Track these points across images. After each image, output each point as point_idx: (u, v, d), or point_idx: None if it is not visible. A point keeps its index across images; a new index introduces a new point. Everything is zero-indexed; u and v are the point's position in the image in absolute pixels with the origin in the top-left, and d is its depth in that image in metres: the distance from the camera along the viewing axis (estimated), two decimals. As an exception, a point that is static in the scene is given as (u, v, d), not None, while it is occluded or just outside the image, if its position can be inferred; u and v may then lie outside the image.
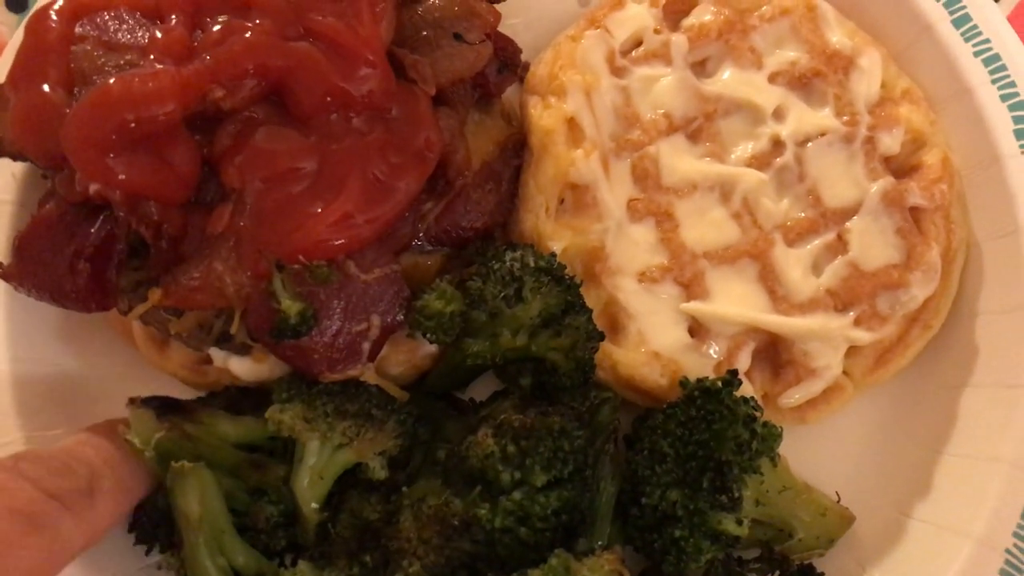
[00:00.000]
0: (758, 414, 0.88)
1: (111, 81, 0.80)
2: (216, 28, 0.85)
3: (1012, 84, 0.99)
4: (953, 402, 0.97)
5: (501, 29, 1.07)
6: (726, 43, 1.00)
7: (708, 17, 1.01)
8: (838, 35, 1.00)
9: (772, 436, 0.86)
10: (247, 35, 0.84)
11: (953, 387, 0.98)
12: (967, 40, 1.00)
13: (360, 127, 0.86)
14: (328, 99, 0.84)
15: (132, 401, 0.87)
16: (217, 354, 0.92)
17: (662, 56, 0.99)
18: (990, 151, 0.98)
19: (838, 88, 0.99)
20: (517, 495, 0.82)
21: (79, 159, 0.81)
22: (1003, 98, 0.99)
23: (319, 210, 0.83)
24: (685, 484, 0.85)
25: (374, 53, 0.85)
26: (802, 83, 0.99)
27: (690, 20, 1.01)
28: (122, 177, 0.80)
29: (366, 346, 0.85)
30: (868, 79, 0.99)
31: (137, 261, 0.87)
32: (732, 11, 1.01)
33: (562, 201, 0.96)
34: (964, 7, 1.01)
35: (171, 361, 0.95)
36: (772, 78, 0.99)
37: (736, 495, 0.84)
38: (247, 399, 0.93)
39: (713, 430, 0.86)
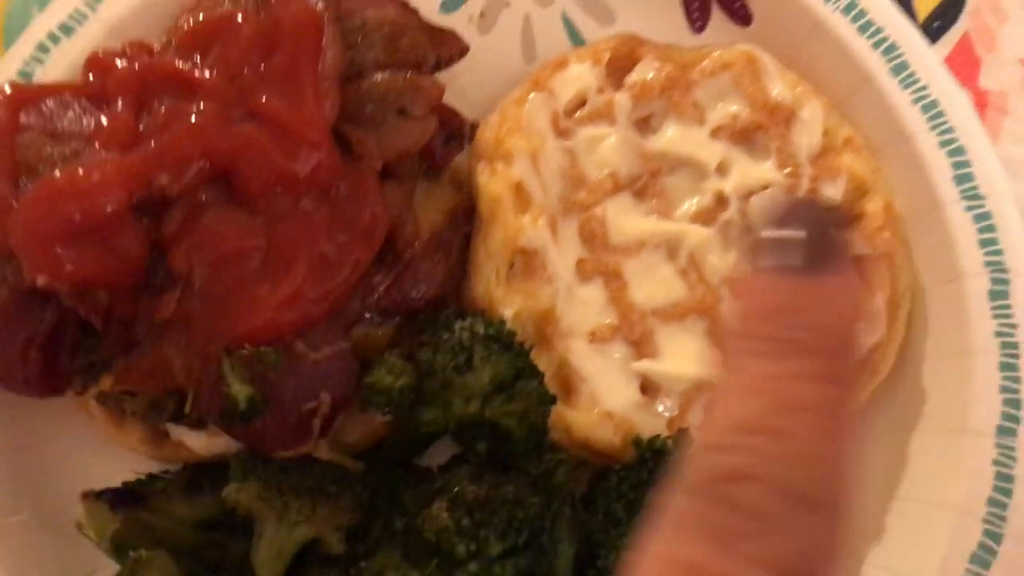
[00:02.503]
0: (709, 473, 0.89)
1: (56, 174, 0.82)
2: (161, 112, 0.86)
3: (950, 130, 1.01)
4: (903, 446, 0.99)
5: (452, 88, 1.09)
6: (669, 99, 1.02)
7: (651, 74, 1.02)
8: (779, 87, 1.02)
9: (722, 497, 0.88)
10: (192, 119, 0.85)
11: (903, 431, 1.00)
12: (905, 88, 1.02)
13: (307, 206, 0.87)
14: (274, 180, 0.86)
15: (85, 496, 0.87)
16: (173, 429, 0.93)
17: (606, 115, 1.01)
18: (931, 198, 1.00)
19: (780, 140, 1.00)
20: (473, 566, 0.83)
21: (26, 253, 0.82)
22: (941, 144, 1.01)
23: (267, 292, 0.84)
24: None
25: (318, 133, 0.86)
26: (744, 137, 1.01)
27: (633, 77, 1.03)
28: (70, 269, 0.81)
29: (317, 423, 0.86)
30: (809, 131, 1.01)
31: (92, 341, 0.88)
32: (674, 66, 1.03)
33: (512, 265, 0.97)
34: (902, 54, 1.02)
35: (130, 437, 0.96)
36: (715, 133, 1.01)
37: (688, 556, 0.85)
38: (205, 475, 0.93)
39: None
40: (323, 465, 0.89)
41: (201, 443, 0.93)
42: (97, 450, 1.00)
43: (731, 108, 1.02)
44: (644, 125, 1.03)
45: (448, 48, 1.00)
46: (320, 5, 0.91)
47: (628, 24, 1.10)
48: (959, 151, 1.00)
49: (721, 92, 1.02)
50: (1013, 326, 0.97)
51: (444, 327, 0.90)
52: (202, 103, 0.85)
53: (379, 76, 0.91)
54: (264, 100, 0.86)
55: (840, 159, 1.01)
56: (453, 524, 0.84)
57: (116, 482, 0.94)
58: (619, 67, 1.04)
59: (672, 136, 1.01)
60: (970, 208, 0.99)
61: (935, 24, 1.13)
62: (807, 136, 1.01)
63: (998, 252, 0.98)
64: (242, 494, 0.86)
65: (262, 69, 0.88)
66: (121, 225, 0.83)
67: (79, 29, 0.99)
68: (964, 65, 1.12)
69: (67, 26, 1.00)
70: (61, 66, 0.98)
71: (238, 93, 0.87)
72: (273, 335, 0.84)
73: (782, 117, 1.01)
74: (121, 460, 0.98)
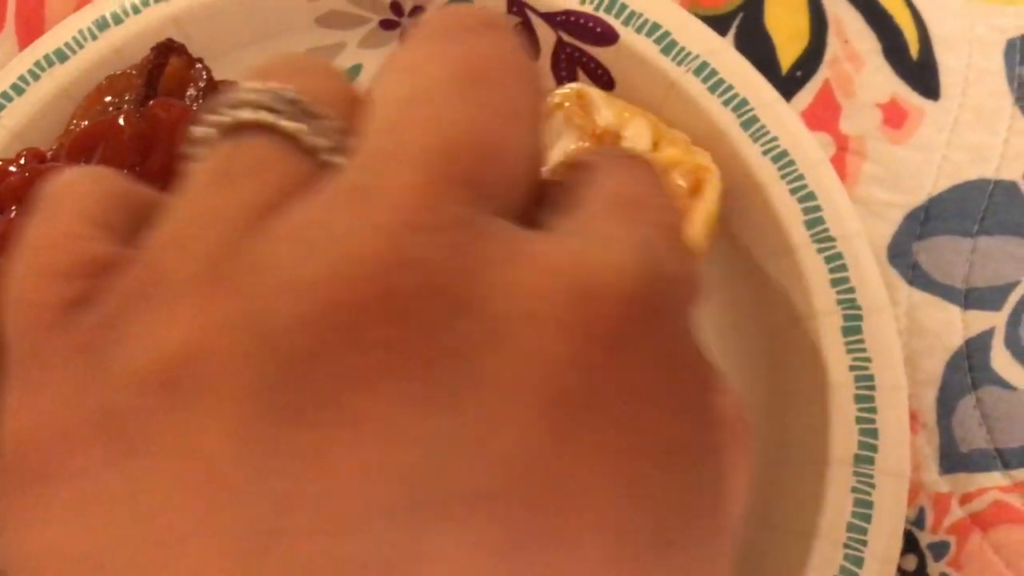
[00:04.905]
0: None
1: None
2: None
3: (800, 178, 1.07)
4: (776, 480, 1.05)
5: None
6: (525, 155, 1.08)
7: (510, 136, 1.09)
8: (604, 115, 1.08)
9: None
10: (75, 220, 0.93)
11: (776, 465, 1.05)
12: (755, 141, 1.09)
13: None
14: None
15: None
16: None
17: (474, 180, 1.08)
18: (784, 242, 1.06)
19: (614, 165, 1.07)
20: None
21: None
22: (792, 191, 1.07)
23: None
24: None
25: (191, 225, 0.94)
26: (585, 171, 1.08)
27: (494, 140, 1.10)
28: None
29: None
30: (634, 145, 1.07)
31: None
32: (522, 117, 1.10)
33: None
34: (751, 109, 1.09)
35: None
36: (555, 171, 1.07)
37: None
38: None
39: None
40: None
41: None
42: None
43: (569, 145, 1.08)
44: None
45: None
46: (194, 105, 0.99)
47: (504, 94, 1.17)
48: (809, 197, 1.07)
49: (558, 131, 1.09)
50: (867, 360, 1.02)
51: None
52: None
53: (252, 166, 0.99)
54: (142, 197, 0.94)
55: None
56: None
57: None
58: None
59: (528, 188, 1.07)
60: (821, 250, 1.05)
61: (798, 73, 1.20)
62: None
63: (850, 291, 1.04)
64: None
65: (141, 169, 0.96)
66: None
67: (-17, 137, 1.08)
68: (826, 111, 1.19)
69: (-27, 135, 1.08)
70: (-34, 174, 1.06)
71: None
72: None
73: (608, 140, 1.07)
74: None
